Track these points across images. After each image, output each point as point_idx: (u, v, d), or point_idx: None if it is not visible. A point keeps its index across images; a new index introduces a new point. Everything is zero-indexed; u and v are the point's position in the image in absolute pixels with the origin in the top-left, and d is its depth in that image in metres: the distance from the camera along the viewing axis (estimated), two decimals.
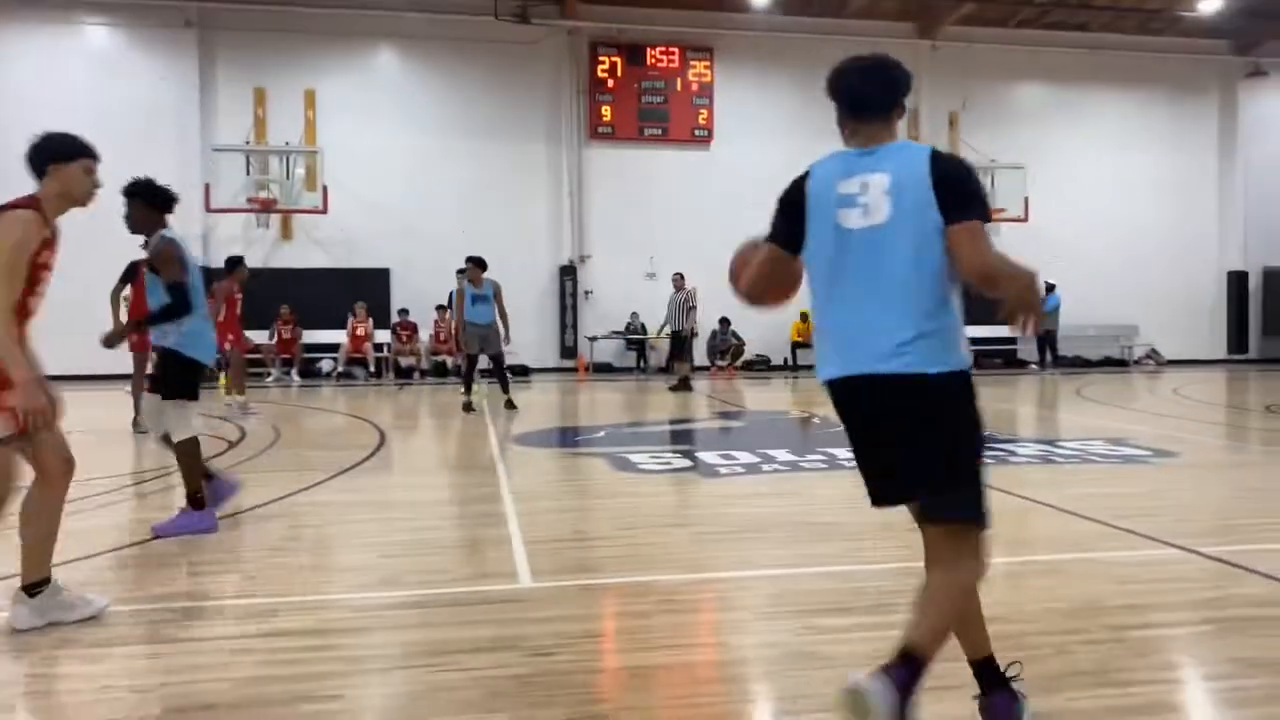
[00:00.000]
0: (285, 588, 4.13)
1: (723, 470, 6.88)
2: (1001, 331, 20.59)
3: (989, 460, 2.62)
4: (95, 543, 4.81)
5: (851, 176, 2.50)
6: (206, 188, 17.13)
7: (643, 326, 19.36)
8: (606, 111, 19.67)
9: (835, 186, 2.53)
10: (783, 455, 7.49)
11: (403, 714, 2.75)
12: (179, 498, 5.30)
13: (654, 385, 16.22)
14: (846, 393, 2.51)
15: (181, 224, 18.14)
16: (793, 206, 2.67)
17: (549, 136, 19.55)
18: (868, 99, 2.64)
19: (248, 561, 4.55)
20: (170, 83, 17.97)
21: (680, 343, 14.88)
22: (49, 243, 3.66)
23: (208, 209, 17.34)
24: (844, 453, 7.67)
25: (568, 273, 19.36)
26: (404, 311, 17.81)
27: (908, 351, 2.36)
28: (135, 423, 9.28)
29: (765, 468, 6.97)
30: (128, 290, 9.57)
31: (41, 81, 17.54)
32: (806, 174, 2.70)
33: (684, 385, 14.38)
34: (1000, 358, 20.90)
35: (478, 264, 11.50)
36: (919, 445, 2.43)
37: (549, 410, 12.76)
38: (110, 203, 5.28)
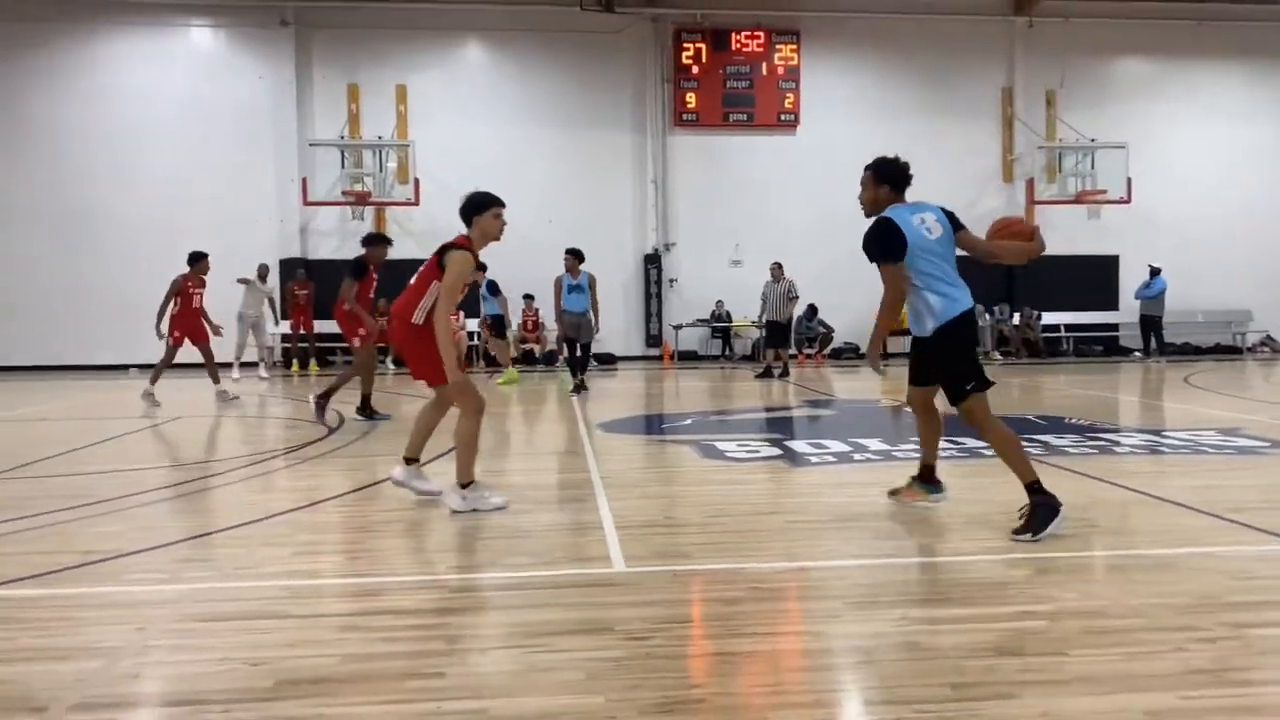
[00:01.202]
0: (388, 568, 4.25)
1: (813, 459, 6.81)
2: (1101, 317, 19.95)
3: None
4: (208, 522, 5.03)
5: (916, 215, 4.74)
6: (304, 182, 17.71)
7: (727, 314, 19.28)
8: (691, 98, 19.61)
9: (913, 222, 4.68)
10: (875, 445, 7.37)
11: (503, 692, 2.81)
12: (277, 482, 5.51)
13: (740, 373, 16.14)
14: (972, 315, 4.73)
15: (280, 217, 18.96)
16: (899, 237, 4.64)
17: (633, 125, 19.59)
18: (910, 182, 4.89)
19: (352, 542, 4.70)
20: (268, 81, 18.60)
21: (781, 331, 14.86)
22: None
23: (305, 202, 17.93)
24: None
25: (652, 261, 19.40)
26: (528, 297, 18.08)
27: None
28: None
29: (857, 457, 6.87)
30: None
31: (151, 82, 18.39)
32: (891, 220, 4.70)
33: (781, 373, 14.59)
34: (1101, 344, 20.15)
35: (576, 255, 12.22)
36: None
37: (635, 398, 12.83)
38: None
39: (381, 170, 18.10)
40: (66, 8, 18.04)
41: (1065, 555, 4.22)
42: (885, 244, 4.59)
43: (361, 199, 17.86)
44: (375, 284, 9.52)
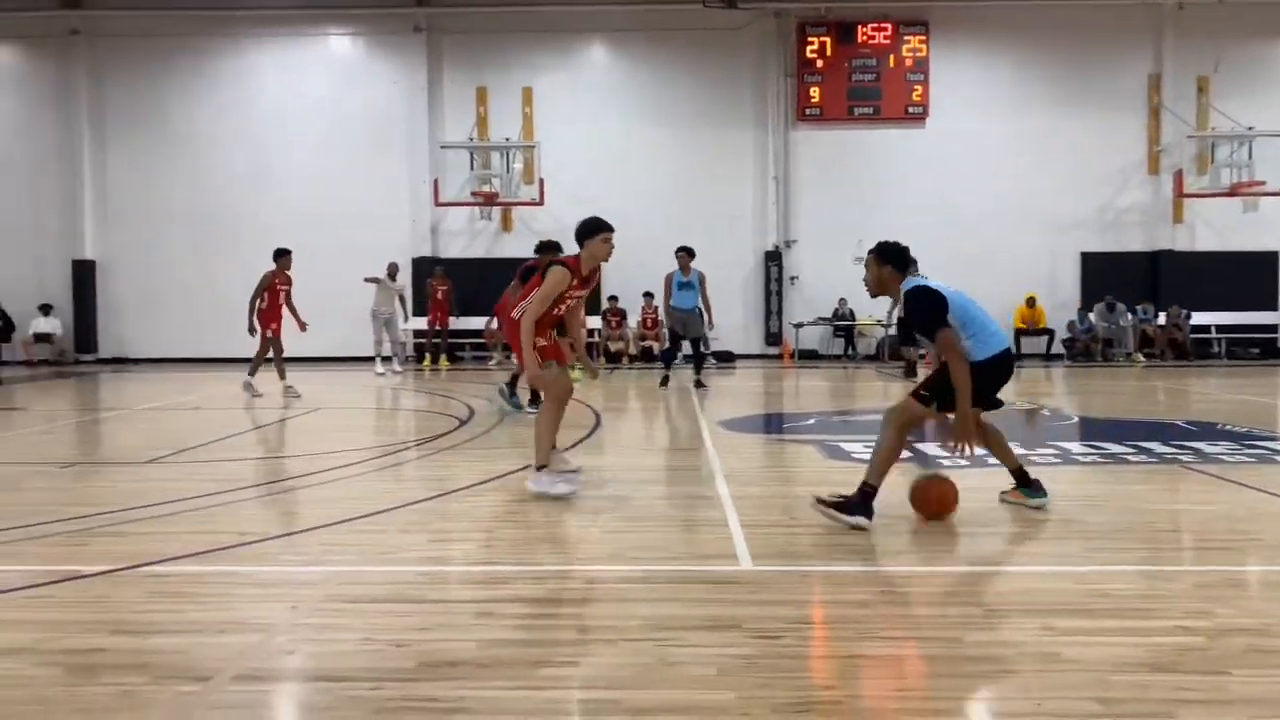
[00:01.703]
0: (519, 557, 4.36)
1: (945, 462, 6.61)
2: (1258, 317, 18.62)
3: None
4: (348, 509, 5.27)
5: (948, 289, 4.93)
6: (435, 183, 18.31)
7: (850, 313, 18.92)
8: (815, 92, 19.33)
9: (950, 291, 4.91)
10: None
11: (635, 684, 2.83)
12: (411, 471, 5.71)
13: (862, 373, 15.82)
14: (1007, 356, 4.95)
15: (413, 217, 19.63)
16: (942, 304, 4.79)
17: (755, 121, 19.45)
18: (912, 263, 5.16)
19: (483, 532, 4.84)
20: (402, 86, 19.31)
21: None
22: (575, 285, 5.62)
23: (436, 203, 18.54)
24: (1077, 447, 7.19)
25: (773, 258, 19.22)
26: (613, 298, 18.31)
27: None
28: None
29: (990, 461, 6.60)
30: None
31: (291, 90, 19.37)
32: (937, 291, 4.86)
33: (916, 371, 14.29)
34: (1258, 347, 18.86)
35: (688, 253, 12.37)
36: None
37: (754, 396, 12.75)
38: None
39: (508, 171, 18.55)
40: (214, 24, 19.19)
41: (1223, 569, 3.97)
42: (934, 310, 4.76)
43: (489, 199, 18.35)
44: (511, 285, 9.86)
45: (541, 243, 9.86)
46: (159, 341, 19.35)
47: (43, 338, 18.84)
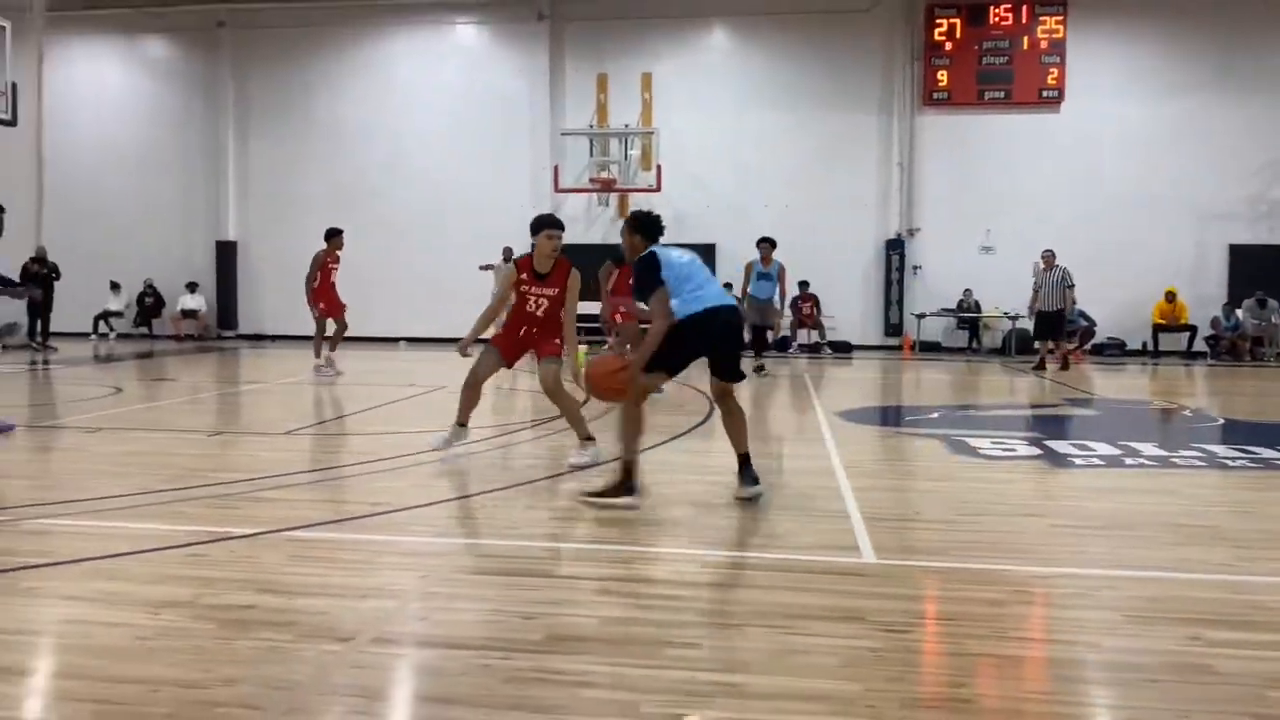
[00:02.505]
0: (638, 539, 4.40)
1: (1077, 461, 6.34)
2: None
3: None
4: (472, 484, 5.42)
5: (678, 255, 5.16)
6: (555, 169, 18.57)
7: (976, 304, 18.29)
8: (943, 76, 18.71)
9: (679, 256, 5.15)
10: (1149, 449, 6.75)
11: (759, 670, 2.83)
12: (531, 450, 5.82)
13: (987, 367, 15.29)
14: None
15: (533, 204, 19.80)
16: (656, 265, 5.02)
17: (880, 106, 18.97)
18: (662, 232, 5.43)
19: (604, 512, 4.90)
20: (525, 74, 19.63)
21: (1051, 323, 14.12)
22: (525, 280, 6.16)
23: (556, 189, 18.81)
24: (1223, 450, 6.77)
25: (894, 247, 18.75)
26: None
27: None
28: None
29: (1128, 461, 6.32)
30: None
31: (421, 78, 19.94)
32: (654, 254, 5.08)
33: (1036, 365, 14.05)
34: None
35: (769, 244, 12.55)
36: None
37: (873, 388, 12.49)
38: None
39: (626, 158, 18.66)
40: (349, 14, 19.90)
41: None
42: (647, 272, 5.02)
43: (607, 186, 18.50)
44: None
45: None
46: (294, 319, 20.30)
47: (189, 314, 20.04)
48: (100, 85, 20.62)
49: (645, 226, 5.29)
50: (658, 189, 18.32)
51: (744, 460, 5.14)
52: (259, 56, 20.29)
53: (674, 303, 4.90)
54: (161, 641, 3.01)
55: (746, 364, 12.60)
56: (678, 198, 18.75)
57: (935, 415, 9.07)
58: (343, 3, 19.84)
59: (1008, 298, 17.59)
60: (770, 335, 13.52)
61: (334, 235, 12.10)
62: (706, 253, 18.67)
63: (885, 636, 3.10)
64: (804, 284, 18.08)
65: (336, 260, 12.11)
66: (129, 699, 2.59)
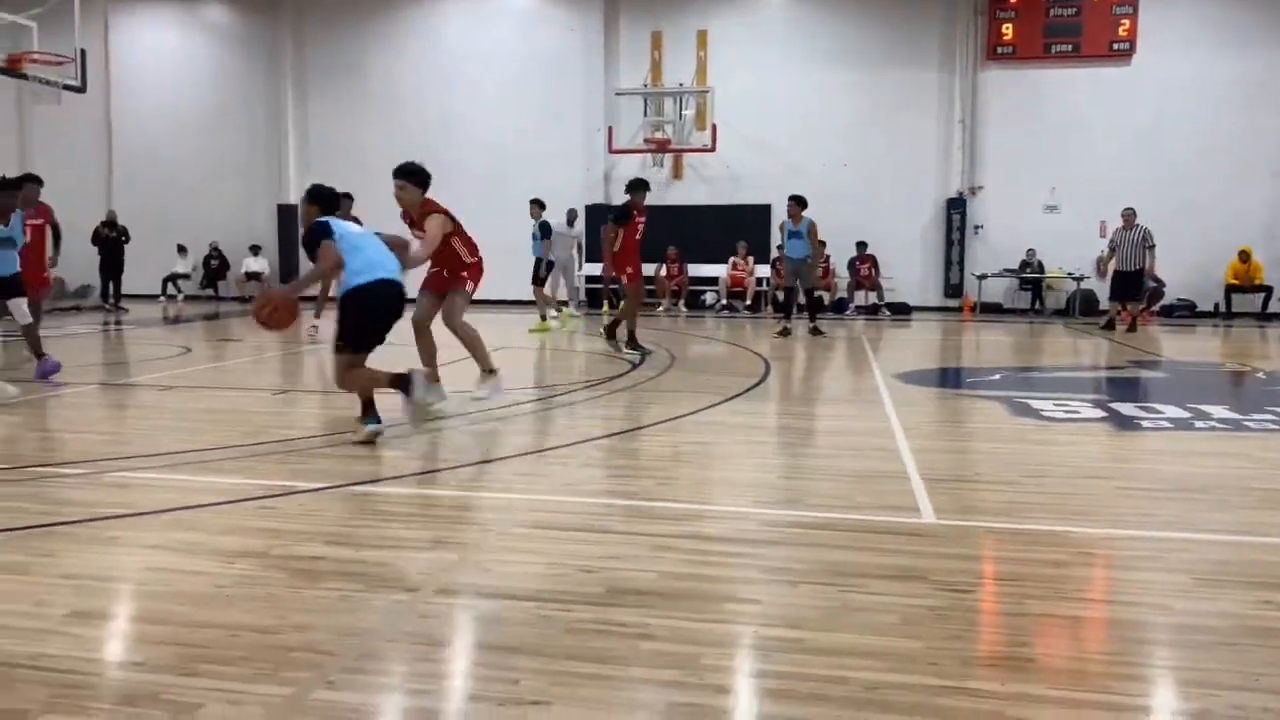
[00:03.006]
0: (697, 496, 4.43)
1: (1145, 424, 6.20)
2: None
3: None
4: (534, 442, 5.49)
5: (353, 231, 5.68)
6: (609, 130, 18.47)
7: (1040, 264, 17.85)
8: (1007, 29, 18.12)
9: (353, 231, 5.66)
10: (1219, 412, 6.56)
11: (819, 626, 2.84)
12: (590, 410, 5.85)
13: (1051, 328, 14.96)
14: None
15: (587, 165, 19.76)
16: (327, 230, 5.52)
17: (941, 62, 18.47)
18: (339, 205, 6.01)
19: (661, 470, 4.93)
20: (578, 32, 19.47)
21: (1130, 283, 13.85)
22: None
23: (610, 150, 18.72)
24: None
25: (955, 206, 18.34)
26: (781, 247, 18.00)
27: None
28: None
29: (1198, 424, 6.16)
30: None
31: (476, 39, 19.88)
32: (326, 223, 5.52)
33: (1114, 326, 13.93)
34: None
35: (798, 202, 12.38)
36: None
37: (932, 349, 12.32)
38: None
39: (680, 118, 18.47)
40: None
41: None
42: (317, 234, 5.47)
43: (661, 146, 18.36)
44: (641, 226, 10.06)
45: (632, 180, 10.44)
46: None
47: (253, 275, 20.45)
48: (163, 52, 20.96)
49: (321, 198, 5.77)
50: (713, 149, 18.15)
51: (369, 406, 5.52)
52: (317, 19, 20.42)
53: (343, 273, 5.43)
54: (238, 589, 3.13)
55: (801, 328, 12.68)
56: (733, 158, 18.56)
57: (997, 377, 8.92)
58: None
59: (1072, 258, 17.15)
60: (823, 296, 13.35)
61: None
62: (762, 213, 18.50)
63: (946, 596, 3.08)
64: (862, 244, 17.82)
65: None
66: (210, 643, 2.70)
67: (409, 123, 20.10)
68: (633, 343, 10.02)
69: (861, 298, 17.84)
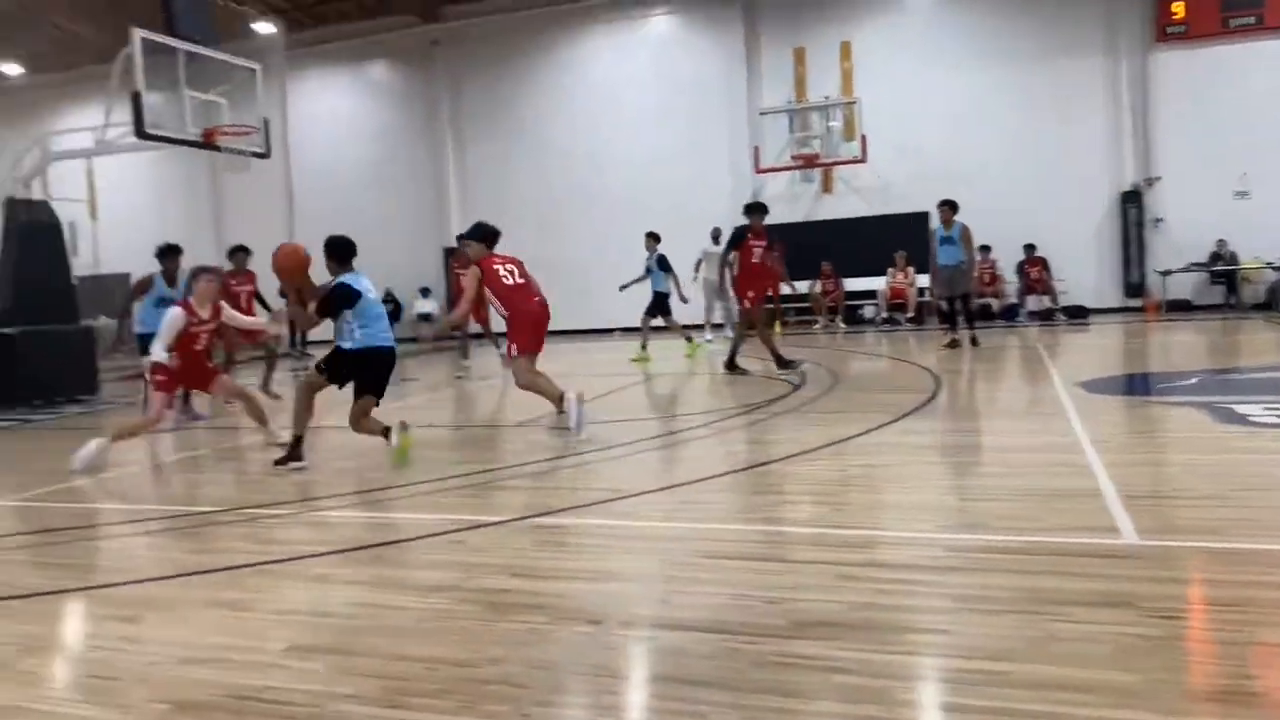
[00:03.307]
0: (875, 522, 4.31)
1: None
2: None
3: None
4: (699, 469, 5.50)
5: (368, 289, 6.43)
6: (755, 150, 18.45)
7: (1232, 255, 16.49)
8: (1178, 8, 16.98)
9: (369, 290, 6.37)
10: None
11: (1023, 658, 2.69)
12: (754, 434, 5.81)
13: (1248, 324, 13.77)
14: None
15: (733, 186, 19.72)
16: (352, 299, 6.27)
17: (1104, 47, 17.48)
18: (355, 254, 6.56)
19: (833, 495, 4.84)
20: (719, 56, 19.61)
21: None
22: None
23: (757, 170, 18.68)
24: None
25: (1130, 199, 17.23)
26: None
27: None
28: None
29: None
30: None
31: (615, 71, 20.37)
32: (352, 288, 6.24)
33: None
34: None
35: (950, 206, 11.82)
36: None
37: (1115, 354, 11.57)
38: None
39: (828, 131, 18.24)
40: (550, 20, 20.63)
41: None
42: (341, 302, 6.20)
43: (810, 161, 18.18)
44: (758, 249, 9.99)
45: (747, 204, 10.44)
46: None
47: (424, 317, 21.56)
48: (334, 112, 22.53)
49: (336, 249, 6.32)
50: (863, 159, 17.82)
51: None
52: (469, 69, 21.46)
53: (358, 333, 6.15)
54: (434, 623, 3.27)
55: (934, 339, 12.15)
56: (884, 167, 18.16)
57: (1193, 381, 8.27)
58: (542, 10, 20.60)
59: (1269, 245, 15.77)
60: (973, 301, 12.61)
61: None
62: (917, 222, 17.96)
63: (1159, 623, 2.87)
64: (1030, 247, 17.01)
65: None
66: (412, 675, 2.83)
67: (558, 159, 20.77)
68: (782, 363, 10.00)
69: (1033, 303, 16.98)
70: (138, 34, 11.11)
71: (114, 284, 20.67)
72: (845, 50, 18.83)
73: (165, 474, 6.77)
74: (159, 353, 6.67)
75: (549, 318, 7.40)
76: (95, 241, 19.56)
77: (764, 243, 10.07)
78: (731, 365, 10.22)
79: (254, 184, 19.81)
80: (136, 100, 10.98)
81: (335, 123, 22.49)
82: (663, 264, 13.35)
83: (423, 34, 21.55)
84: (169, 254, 9.01)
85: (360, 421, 6.34)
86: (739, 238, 10.01)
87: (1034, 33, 17.73)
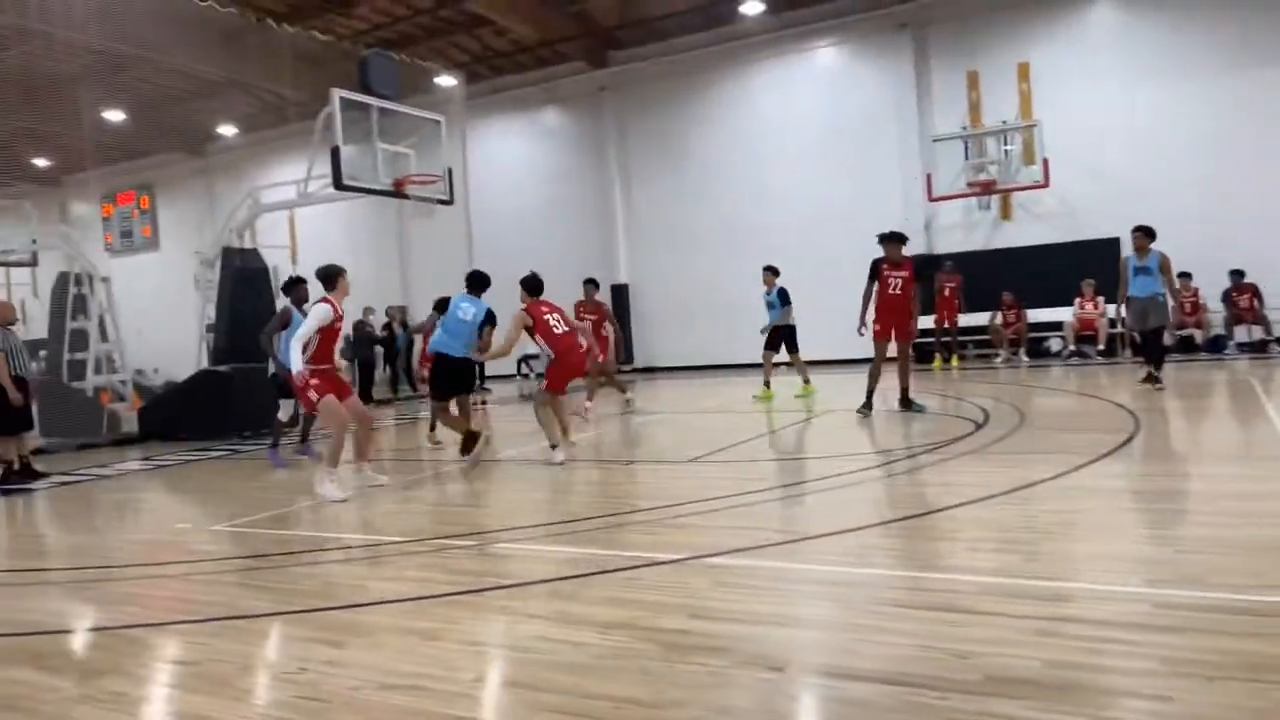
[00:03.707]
0: (1072, 573, 4.05)
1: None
2: None
3: None
4: (880, 512, 5.33)
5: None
6: (928, 179, 17.93)
7: None
8: None
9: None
10: None
11: None
12: (933, 476, 5.58)
13: None
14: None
15: (905, 215, 19.11)
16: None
17: None
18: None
19: (1024, 543, 4.57)
20: (888, 85, 19.22)
21: None
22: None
23: (929, 199, 18.13)
24: None
25: None
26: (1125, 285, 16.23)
27: None
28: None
29: None
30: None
31: (782, 105, 20.32)
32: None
33: None
34: None
35: (1145, 233, 10.75)
36: None
37: None
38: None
39: (1005, 155, 17.50)
40: (715, 59, 20.83)
41: None
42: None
43: (986, 188, 17.48)
44: (895, 280, 9.81)
45: (881, 235, 10.23)
46: (682, 350, 21.59)
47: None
48: (509, 158, 23.56)
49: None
50: (1045, 184, 16.96)
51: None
52: (636, 110, 21.97)
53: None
54: (614, 661, 3.31)
55: (1128, 374, 11.20)
56: (1068, 191, 17.22)
57: None
58: (706, 50, 20.89)
59: None
60: (1166, 336, 11.24)
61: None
62: (1107, 247, 16.88)
63: None
64: (1238, 273, 15.63)
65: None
66: (598, 714, 2.87)
67: (725, 195, 20.88)
68: (906, 400, 9.80)
69: (1242, 333, 15.56)
70: (336, 94, 12.03)
71: None
72: (1023, 71, 18.06)
73: (356, 504, 7.20)
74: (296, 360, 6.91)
75: (585, 365, 9.13)
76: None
77: (904, 274, 9.83)
78: (906, 402, 9.86)
79: (436, 227, 21.01)
80: (335, 155, 11.87)
81: (509, 167, 23.51)
82: (783, 297, 12.90)
83: (591, 80, 22.27)
84: (295, 285, 9.32)
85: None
86: (874, 269, 9.90)
87: (1232, 39, 16.39)
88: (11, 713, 3.22)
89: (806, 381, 12.75)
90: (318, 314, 7.05)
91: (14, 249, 16.41)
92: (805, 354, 13.20)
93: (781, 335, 12.85)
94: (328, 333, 7.12)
